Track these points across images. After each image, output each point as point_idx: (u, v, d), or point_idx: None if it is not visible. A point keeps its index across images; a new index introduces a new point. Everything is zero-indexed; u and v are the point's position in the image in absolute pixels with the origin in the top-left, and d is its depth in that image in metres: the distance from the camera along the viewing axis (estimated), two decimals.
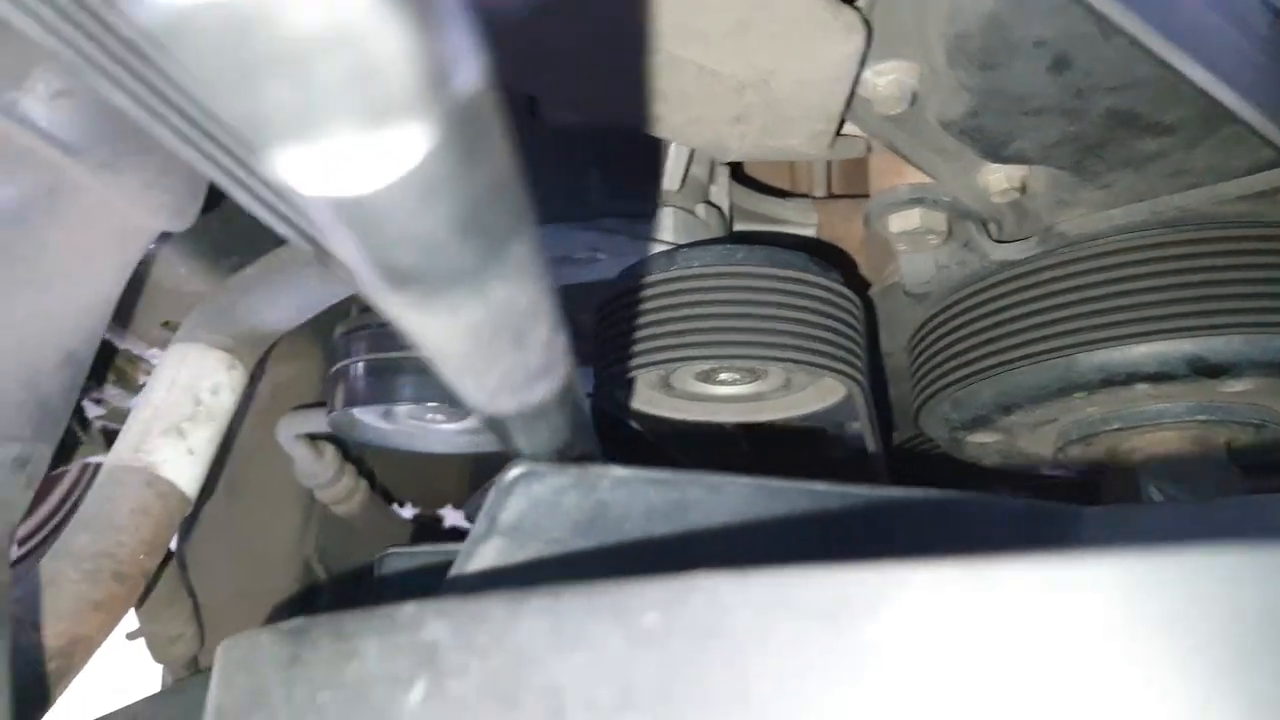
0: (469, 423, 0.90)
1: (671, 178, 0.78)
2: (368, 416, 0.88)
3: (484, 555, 0.46)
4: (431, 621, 0.32)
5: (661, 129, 0.61)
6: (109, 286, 0.64)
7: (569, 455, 0.46)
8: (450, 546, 0.68)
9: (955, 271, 0.77)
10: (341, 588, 1.26)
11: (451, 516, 1.60)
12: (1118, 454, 0.79)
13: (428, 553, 0.68)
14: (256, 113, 0.15)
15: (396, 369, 0.82)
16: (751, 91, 0.56)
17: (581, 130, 0.80)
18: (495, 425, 0.41)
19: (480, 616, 0.31)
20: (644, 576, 0.27)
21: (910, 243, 0.75)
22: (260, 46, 0.13)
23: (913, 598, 0.25)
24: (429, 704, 0.31)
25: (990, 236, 0.75)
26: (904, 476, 0.98)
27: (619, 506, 0.46)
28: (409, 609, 0.34)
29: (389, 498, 1.32)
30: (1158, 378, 0.69)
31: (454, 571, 0.46)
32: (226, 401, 0.88)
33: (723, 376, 0.75)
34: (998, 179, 0.69)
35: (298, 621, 0.39)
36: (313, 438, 1.14)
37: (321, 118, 0.15)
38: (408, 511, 1.41)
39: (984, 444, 0.82)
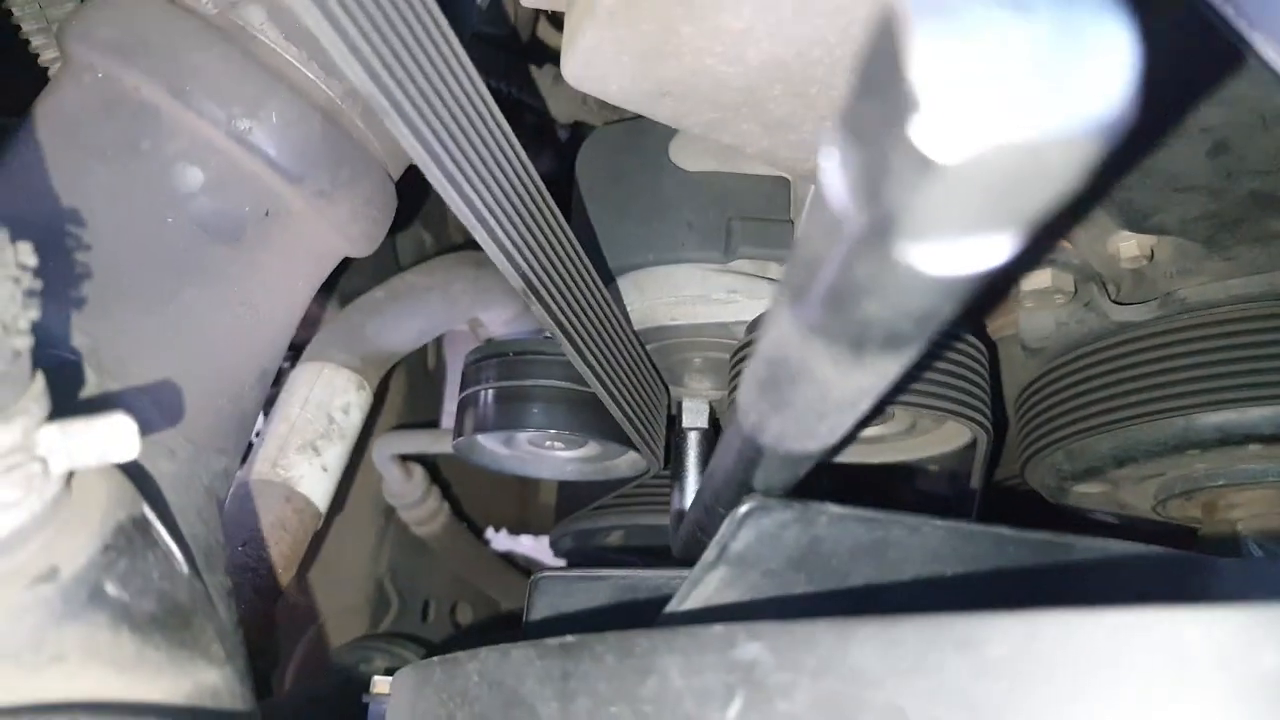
0: (583, 451, 0.94)
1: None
2: (491, 442, 0.91)
3: (709, 582, 0.49)
4: (745, 642, 0.36)
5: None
6: (300, 307, 0.68)
7: (790, 493, 0.50)
8: (601, 571, 0.72)
9: (1074, 329, 0.81)
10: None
11: (499, 540, 1.63)
12: (1215, 509, 0.83)
13: (579, 576, 0.71)
14: (933, 219, 0.19)
15: (528, 397, 0.86)
16: None
17: (717, 175, 0.85)
18: (748, 459, 0.45)
19: (806, 639, 0.35)
20: (989, 611, 0.31)
21: (1038, 301, 0.79)
22: (1013, 184, 0.17)
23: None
24: (749, 715, 0.35)
25: (1110, 298, 0.79)
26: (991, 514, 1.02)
27: (830, 542, 0.50)
28: (717, 629, 0.37)
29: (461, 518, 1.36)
30: (1272, 439, 0.73)
31: (681, 594, 0.49)
32: (356, 420, 0.92)
33: None
34: (1129, 246, 0.74)
35: (567, 640, 0.43)
36: (404, 458, 1.18)
37: (977, 225, 0.19)
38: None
39: (1088, 493, 0.86)
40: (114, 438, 0.36)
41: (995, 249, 0.19)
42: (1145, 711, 0.29)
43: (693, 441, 0.96)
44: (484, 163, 0.52)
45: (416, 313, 0.98)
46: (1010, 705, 0.30)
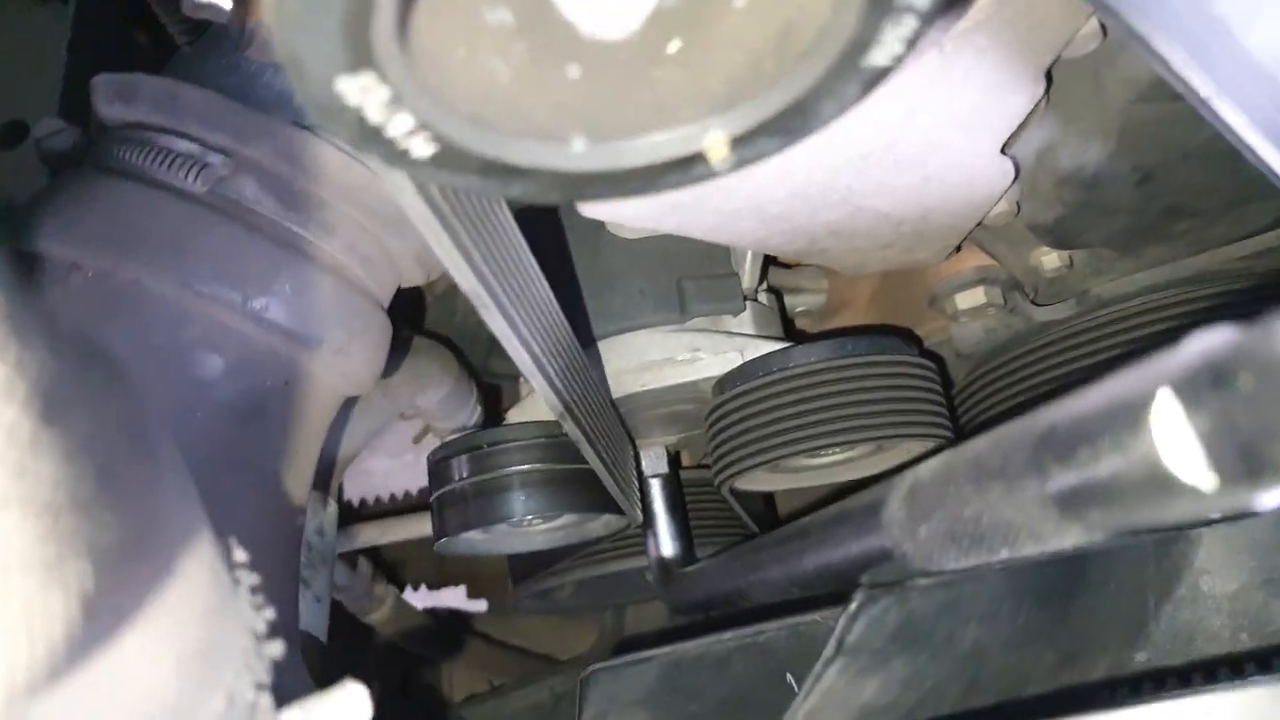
0: (560, 521, 0.96)
1: (751, 277, 0.88)
2: (471, 534, 0.92)
3: (829, 675, 0.54)
4: None
5: (818, 258, 0.70)
6: (315, 456, 0.68)
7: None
8: (646, 654, 0.76)
9: (1001, 333, 0.91)
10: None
11: (419, 597, 1.63)
12: None
13: (628, 662, 0.75)
14: None
15: (509, 486, 0.87)
16: (910, 224, 0.67)
17: (658, 239, 0.88)
18: (867, 564, 0.50)
19: None
20: None
21: (972, 315, 0.88)
22: None
23: None
24: None
25: (1032, 302, 0.89)
26: None
27: (918, 611, 0.56)
28: None
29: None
30: None
31: (806, 689, 0.54)
32: (331, 539, 0.91)
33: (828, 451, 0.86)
34: (1051, 259, 0.83)
35: None
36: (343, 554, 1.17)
37: None
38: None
39: None
40: (352, 707, 0.37)
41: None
42: None
43: (657, 488, 1.00)
44: (538, 316, 0.54)
45: (362, 415, 0.97)
46: None
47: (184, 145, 0.59)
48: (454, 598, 1.69)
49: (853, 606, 0.53)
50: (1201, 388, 0.26)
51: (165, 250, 0.56)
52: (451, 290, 1.10)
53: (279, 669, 0.35)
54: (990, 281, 0.87)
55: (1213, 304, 0.84)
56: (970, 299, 0.87)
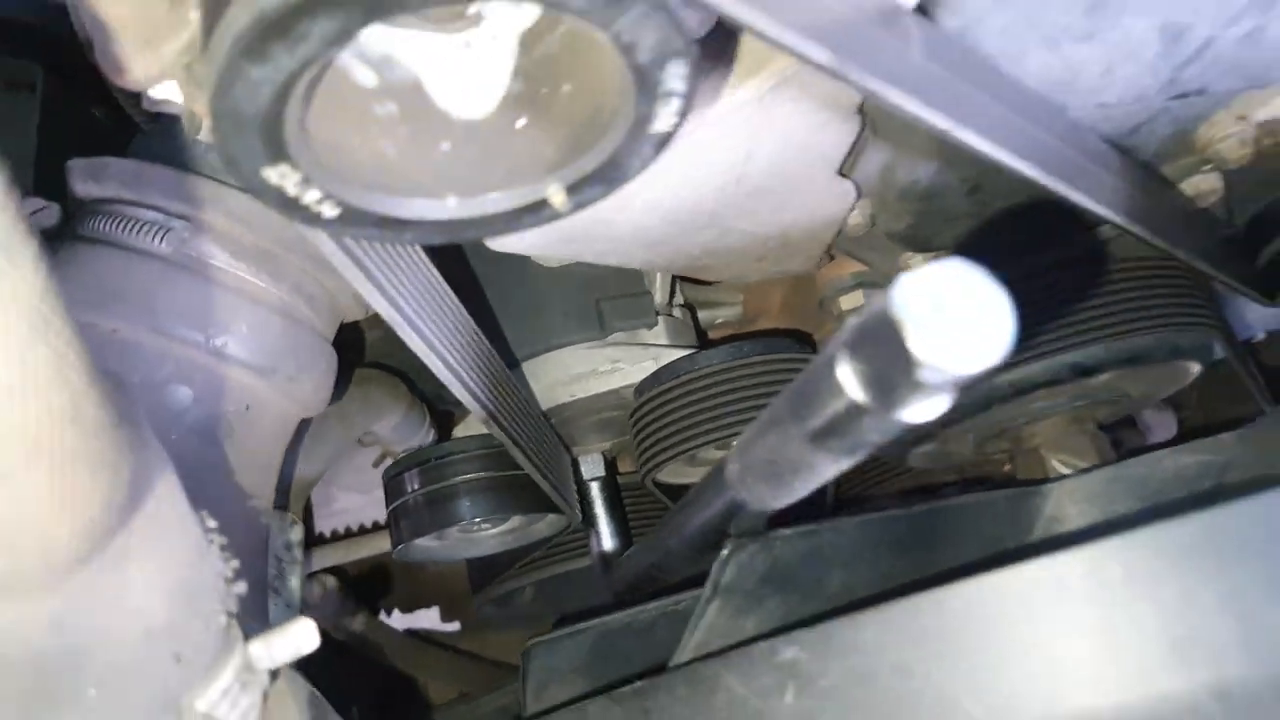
0: (508, 525, 1.08)
1: (663, 292, 1.01)
2: (425, 540, 1.04)
3: (710, 613, 0.66)
4: (784, 648, 0.54)
5: (697, 274, 0.83)
6: (276, 472, 0.80)
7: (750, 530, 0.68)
8: (579, 626, 0.87)
9: None
10: None
11: (395, 620, 1.73)
12: (1021, 440, 1.08)
13: (563, 635, 0.87)
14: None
15: (456, 494, 0.99)
16: (774, 240, 0.80)
17: (577, 266, 1.01)
18: (728, 515, 0.62)
19: (825, 635, 0.52)
20: (920, 592, 0.50)
21: (858, 315, 1.01)
22: None
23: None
24: (802, 699, 0.53)
25: None
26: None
27: (784, 557, 0.68)
28: (762, 645, 0.54)
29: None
30: (1050, 384, 0.98)
31: (691, 625, 0.66)
32: (297, 553, 1.02)
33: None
34: (916, 261, 0.96)
35: (639, 685, 0.59)
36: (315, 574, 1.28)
37: (939, 401, 0.37)
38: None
39: (925, 453, 1.09)
40: (301, 639, 0.49)
41: (945, 405, 0.37)
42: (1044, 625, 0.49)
43: (596, 491, 1.12)
44: (453, 335, 0.67)
45: (321, 440, 1.08)
46: (951, 646, 0.49)
47: (149, 214, 0.71)
48: (428, 619, 1.80)
49: (724, 553, 0.65)
50: (856, 344, 0.38)
51: (139, 303, 0.68)
52: None
53: (245, 611, 0.47)
54: (868, 285, 1.00)
55: (1060, 294, 0.97)
56: (851, 301, 1.00)
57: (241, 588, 0.46)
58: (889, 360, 0.36)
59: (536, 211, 0.49)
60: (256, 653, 0.48)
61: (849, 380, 0.39)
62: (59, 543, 0.31)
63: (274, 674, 0.49)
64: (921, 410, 0.38)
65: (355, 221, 0.46)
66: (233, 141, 0.39)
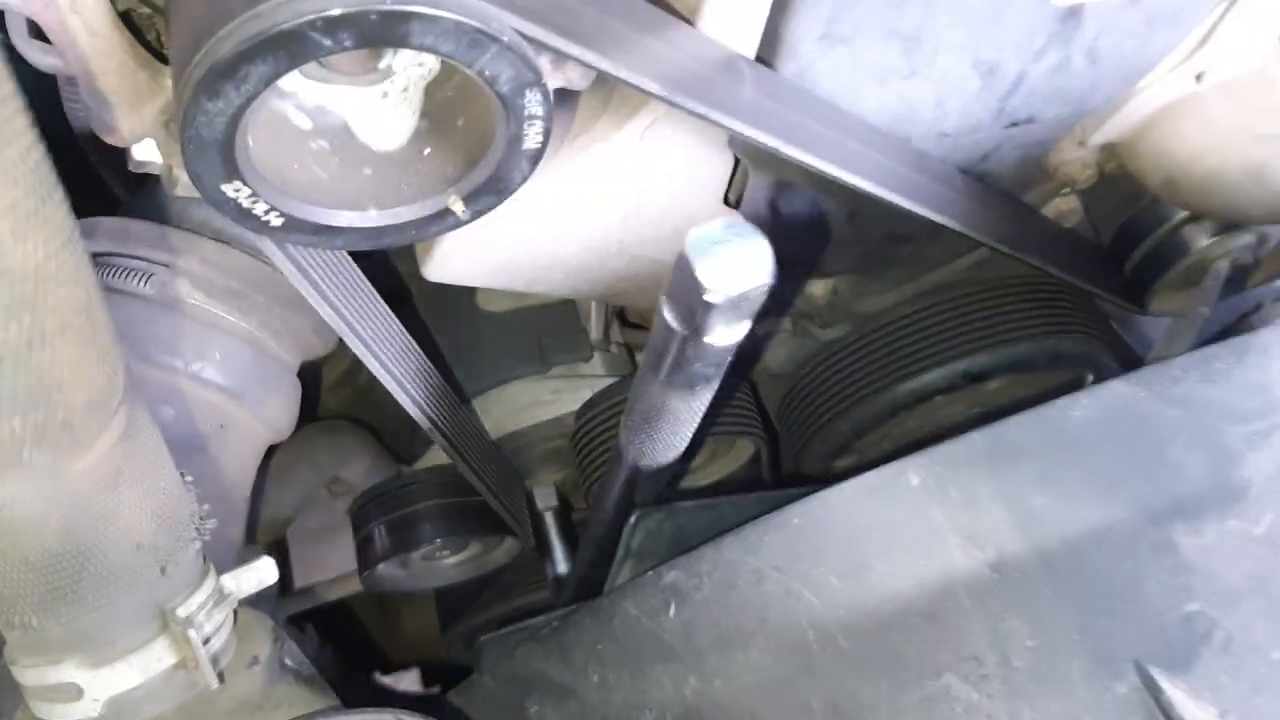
0: (467, 553, 1.19)
1: (597, 329, 1.14)
2: (390, 568, 1.14)
3: (623, 574, 0.78)
4: (666, 573, 0.65)
5: (619, 300, 0.97)
6: (249, 489, 0.91)
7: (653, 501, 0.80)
8: (527, 623, 0.98)
9: (800, 354, 1.17)
10: None
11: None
12: None
13: (516, 630, 0.97)
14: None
15: (416, 519, 1.11)
16: None
17: (521, 309, 1.14)
18: (630, 482, 0.74)
19: (697, 557, 0.64)
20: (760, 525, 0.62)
21: (774, 341, 1.14)
22: None
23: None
24: (682, 612, 0.64)
25: (818, 326, 1.15)
26: None
27: (688, 525, 0.80)
28: (649, 575, 0.66)
29: None
30: (947, 389, 1.10)
31: (611, 581, 0.77)
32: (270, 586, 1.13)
33: None
34: (818, 287, 1.10)
35: (553, 624, 0.70)
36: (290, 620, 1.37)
37: (733, 324, 0.49)
38: None
39: (847, 465, 1.21)
40: (264, 573, 0.60)
41: (740, 332, 0.50)
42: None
43: (550, 520, 1.23)
44: (403, 357, 0.79)
45: (290, 482, 1.20)
46: (815, 546, 0.61)
47: (135, 263, 0.84)
48: (410, 681, 1.88)
49: (631, 520, 0.77)
50: (671, 289, 0.51)
51: (126, 335, 0.80)
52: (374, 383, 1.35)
53: (217, 548, 0.58)
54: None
55: (950, 306, 1.11)
56: (764, 327, 1.13)
57: (213, 524, 0.58)
58: (689, 291, 0.49)
59: (442, 219, 0.62)
60: (226, 582, 0.59)
61: (669, 315, 0.51)
62: (77, 405, 0.43)
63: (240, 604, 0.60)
64: (722, 334, 0.51)
65: (296, 229, 0.59)
66: (196, 161, 0.52)
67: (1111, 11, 0.82)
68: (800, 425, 1.16)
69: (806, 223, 0.97)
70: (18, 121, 0.38)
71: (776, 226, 0.98)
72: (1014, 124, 0.91)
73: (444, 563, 1.20)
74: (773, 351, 1.17)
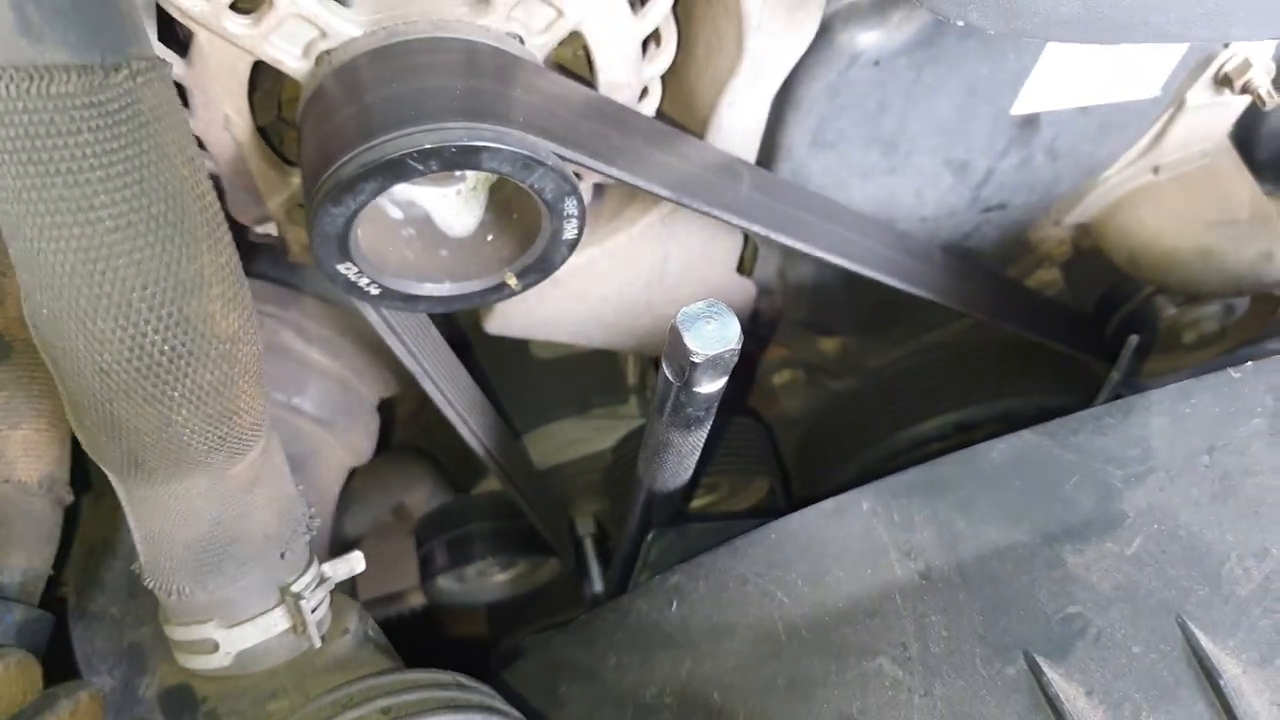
0: (514, 571, 1.37)
1: (634, 375, 1.32)
2: (447, 581, 1.33)
3: (643, 580, 0.95)
4: (671, 576, 0.83)
5: (649, 351, 1.15)
6: (332, 510, 1.11)
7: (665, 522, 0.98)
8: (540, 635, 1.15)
9: (813, 403, 1.34)
10: None
11: None
12: None
13: (553, 628, 1.15)
14: None
15: (470, 538, 1.29)
16: None
17: (566, 357, 1.33)
18: (647, 505, 0.92)
19: (696, 564, 0.82)
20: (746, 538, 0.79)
21: (786, 391, 1.31)
22: None
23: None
24: (681, 607, 0.81)
25: (830, 378, 1.32)
26: None
27: (696, 543, 0.97)
28: (657, 578, 0.83)
29: None
30: (941, 438, 1.26)
31: (631, 590, 0.95)
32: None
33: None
34: (829, 344, 1.27)
35: (582, 620, 0.88)
36: None
37: (713, 378, 0.67)
38: None
39: None
40: (354, 562, 0.79)
41: (719, 383, 0.68)
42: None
43: (588, 545, 1.41)
44: (465, 397, 0.99)
45: (363, 501, 1.39)
46: (787, 556, 0.78)
47: None
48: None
49: (649, 538, 0.94)
50: (668, 350, 0.69)
51: None
52: (439, 418, 1.55)
53: (317, 545, 0.77)
54: (794, 365, 1.31)
55: (948, 364, 1.27)
56: (781, 378, 1.31)
57: (318, 522, 0.77)
58: (680, 353, 0.67)
59: (500, 290, 0.81)
60: (325, 569, 0.78)
61: (667, 371, 0.70)
62: (246, 426, 0.63)
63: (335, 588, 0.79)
64: (706, 385, 0.69)
65: (389, 297, 0.78)
66: (320, 249, 0.72)
67: (1065, 118, 0.99)
68: (814, 467, 1.33)
69: (811, 289, 1.15)
70: (226, 236, 0.58)
71: (785, 292, 1.16)
72: (989, 209, 1.09)
73: (495, 579, 1.38)
74: (789, 400, 1.34)
